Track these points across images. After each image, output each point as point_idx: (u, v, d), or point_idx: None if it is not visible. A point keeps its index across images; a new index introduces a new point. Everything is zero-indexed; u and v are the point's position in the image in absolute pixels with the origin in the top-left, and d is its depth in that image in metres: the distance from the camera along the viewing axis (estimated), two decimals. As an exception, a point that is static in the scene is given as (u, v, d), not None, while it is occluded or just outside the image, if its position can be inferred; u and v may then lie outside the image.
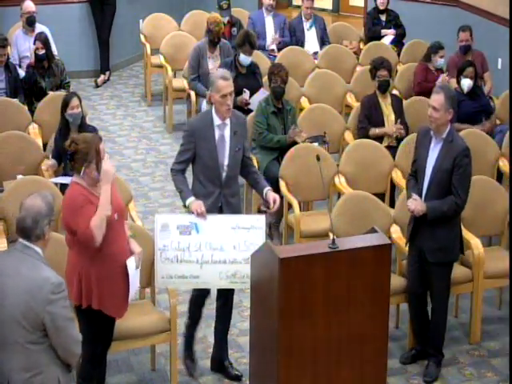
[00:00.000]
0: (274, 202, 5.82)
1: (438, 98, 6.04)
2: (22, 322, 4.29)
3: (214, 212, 5.81)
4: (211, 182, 5.85)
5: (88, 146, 5.24)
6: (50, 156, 7.54)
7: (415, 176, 6.23)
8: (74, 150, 5.27)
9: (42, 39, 8.98)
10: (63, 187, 6.99)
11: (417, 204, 6.04)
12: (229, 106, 5.78)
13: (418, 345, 6.41)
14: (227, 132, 5.86)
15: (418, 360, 6.36)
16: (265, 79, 8.80)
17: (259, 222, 5.66)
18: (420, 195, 6.12)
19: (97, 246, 5.13)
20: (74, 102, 7.35)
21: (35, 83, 8.91)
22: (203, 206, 5.70)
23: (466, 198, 6.08)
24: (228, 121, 5.86)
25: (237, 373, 6.11)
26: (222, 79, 5.77)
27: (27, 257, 4.37)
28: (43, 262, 4.40)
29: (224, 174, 5.85)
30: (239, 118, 6.01)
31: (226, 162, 5.84)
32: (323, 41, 10.92)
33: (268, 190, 5.93)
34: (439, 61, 9.39)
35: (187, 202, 5.78)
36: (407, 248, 6.34)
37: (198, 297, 6.06)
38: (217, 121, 5.84)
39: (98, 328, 5.38)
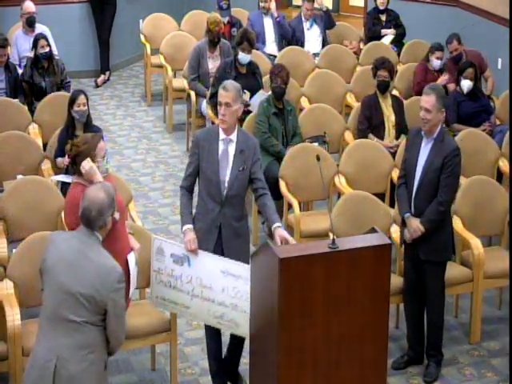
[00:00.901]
0: (284, 241, 5.50)
1: (429, 100, 6.00)
2: (85, 304, 4.41)
3: (213, 230, 5.72)
4: (212, 199, 5.71)
5: (89, 146, 5.25)
6: (53, 155, 7.54)
7: (405, 180, 6.18)
8: (76, 152, 5.27)
9: (44, 37, 8.98)
10: (63, 185, 7.02)
11: (417, 231, 6.04)
12: (221, 115, 5.68)
13: (410, 349, 6.37)
14: (231, 148, 5.72)
15: (410, 366, 6.32)
16: (265, 79, 8.81)
17: (246, 271, 5.38)
18: (409, 197, 6.12)
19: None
20: (81, 99, 7.36)
21: (34, 83, 8.90)
22: (196, 242, 5.61)
23: (450, 197, 6.08)
24: (234, 137, 5.73)
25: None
26: (222, 88, 5.72)
27: (92, 242, 4.52)
28: (104, 249, 4.56)
29: (225, 192, 5.70)
30: (249, 139, 5.86)
31: (227, 179, 5.69)
32: (328, 27, 10.98)
33: (276, 228, 5.57)
34: (435, 62, 9.34)
35: (183, 229, 5.71)
36: (402, 249, 6.35)
37: (212, 347, 5.94)
38: (222, 135, 5.74)
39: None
